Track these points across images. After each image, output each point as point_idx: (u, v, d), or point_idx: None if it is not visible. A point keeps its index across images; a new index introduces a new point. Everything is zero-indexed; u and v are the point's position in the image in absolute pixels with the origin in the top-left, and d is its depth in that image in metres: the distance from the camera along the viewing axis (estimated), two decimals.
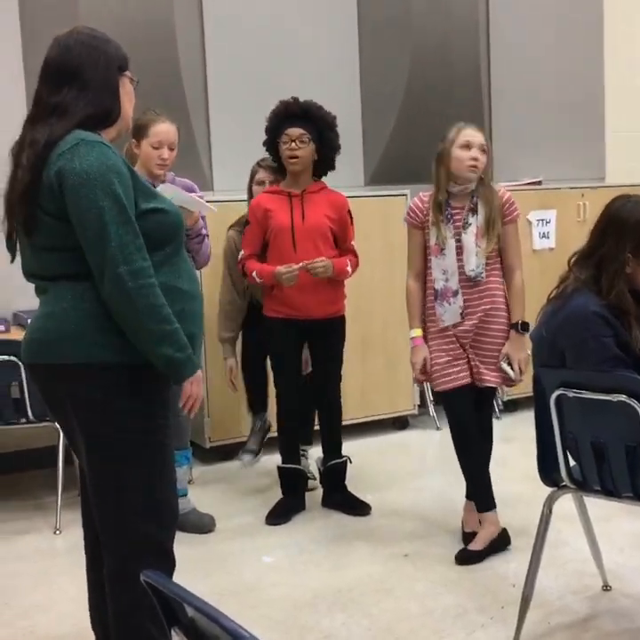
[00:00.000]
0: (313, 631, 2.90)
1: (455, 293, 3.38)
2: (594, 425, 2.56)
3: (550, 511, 2.74)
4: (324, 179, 3.85)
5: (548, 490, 2.73)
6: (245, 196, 4.13)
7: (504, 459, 4.10)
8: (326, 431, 3.97)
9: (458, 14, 5.80)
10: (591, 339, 2.56)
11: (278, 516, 3.87)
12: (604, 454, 2.53)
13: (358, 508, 3.91)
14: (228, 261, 4.12)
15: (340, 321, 3.90)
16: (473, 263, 3.35)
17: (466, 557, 3.38)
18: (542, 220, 5.32)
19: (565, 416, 2.60)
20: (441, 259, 3.38)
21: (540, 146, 5.91)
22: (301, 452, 4.09)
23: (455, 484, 3.74)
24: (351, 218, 3.85)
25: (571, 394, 2.54)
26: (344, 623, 2.95)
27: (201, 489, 4.30)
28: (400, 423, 5.22)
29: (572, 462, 2.66)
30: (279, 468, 3.97)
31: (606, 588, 3.09)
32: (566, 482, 2.66)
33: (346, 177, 4.49)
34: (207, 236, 3.76)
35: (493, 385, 3.44)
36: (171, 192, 3.32)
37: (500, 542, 3.45)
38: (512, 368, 3.37)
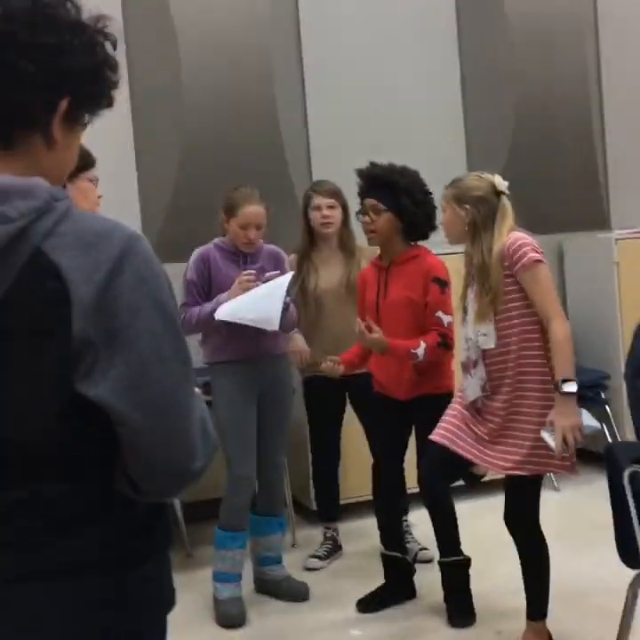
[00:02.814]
0: None
1: (475, 364, 3.03)
2: None
3: (635, 596, 2.63)
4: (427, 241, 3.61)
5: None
6: None
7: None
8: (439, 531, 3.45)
9: (564, 64, 5.71)
10: None
11: (369, 603, 3.62)
12: None
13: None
14: None
15: (441, 399, 3.41)
16: (470, 331, 3.03)
17: None
18: None
19: None
20: (463, 327, 3.10)
21: None
22: (405, 528, 3.94)
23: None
24: (442, 285, 3.45)
25: None
26: None
27: (304, 553, 4.26)
28: None
29: None
30: (381, 554, 3.68)
31: None
32: None
33: None
34: (293, 301, 3.71)
35: (520, 473, 2.98)
36: (227, 313, 3.48)
37: None
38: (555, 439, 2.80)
